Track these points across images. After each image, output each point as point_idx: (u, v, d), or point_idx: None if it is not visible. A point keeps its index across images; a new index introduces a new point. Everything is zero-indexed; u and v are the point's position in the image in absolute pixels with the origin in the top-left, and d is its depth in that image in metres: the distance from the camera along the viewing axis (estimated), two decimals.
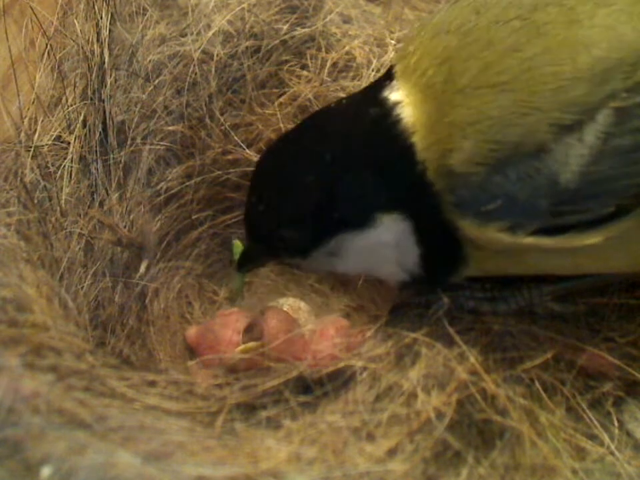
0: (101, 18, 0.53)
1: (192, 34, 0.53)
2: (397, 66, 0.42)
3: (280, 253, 0.46)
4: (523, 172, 0.37)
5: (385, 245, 0.42)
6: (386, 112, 0.41)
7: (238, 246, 0.55)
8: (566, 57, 0.37)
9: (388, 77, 0.42)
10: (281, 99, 0.55)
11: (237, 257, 0.52)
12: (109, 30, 0.53)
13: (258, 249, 0.47)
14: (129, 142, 0.52)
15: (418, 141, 0.39)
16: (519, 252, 0.39)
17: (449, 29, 0.40)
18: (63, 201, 0.49)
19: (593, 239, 0.38)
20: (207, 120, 0.54)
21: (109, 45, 0.53)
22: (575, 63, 0.37)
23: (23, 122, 0.50)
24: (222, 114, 0.54)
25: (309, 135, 0.44)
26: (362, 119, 0.41)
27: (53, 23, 0.52)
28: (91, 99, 0.51)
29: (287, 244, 0.44)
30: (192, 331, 0.52)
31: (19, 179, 0.47)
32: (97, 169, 0.51)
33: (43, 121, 0.50)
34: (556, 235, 0.38)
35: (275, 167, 0.44)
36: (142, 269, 0.52)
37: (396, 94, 0.41)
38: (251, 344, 0.47)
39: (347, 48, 0.54)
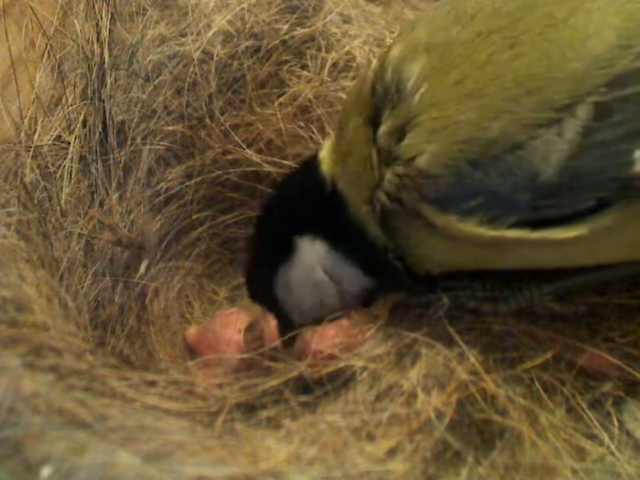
0: (101, 18, 0.53)
1: (192, 34, 0.53)
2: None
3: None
4: (503, 168, 0.38)
5: (311, 265, 0.45)
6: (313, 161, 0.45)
7: None
8: (540, 59, 0.38)
9: None
10: (281, 99, 0.55)
11: None
12: (109, 30, 0.53)
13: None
14: (129, 142, 0.52)
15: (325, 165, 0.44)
16: (502, 246, 0.39)
17: (427, 47, 0.40)
18: (62, 201, 0.49)
19: (575, 232, 0.38)
20: (207, 120, 0.54)
21: (109, 44, 0.53)
22: (549, 63, 0.37)
23: (23, 122, 0.50)
24: (222, 114, 0.54)
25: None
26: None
27: (53, 23, 0.52)
28: (91, 99, 0.51)
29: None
30: (192, 331, 0.52)
31: (19, 179, 0.47)
32: (97, 169, 0.51)
33: (42, 120, 0.51)
34: (538, 228, 0.38)
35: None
36: (142, 269, 0.52)
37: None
38: None
39: (346, 48, 0.55)
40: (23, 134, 0.50)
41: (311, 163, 0.45)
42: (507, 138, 0.37)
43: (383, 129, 0.41)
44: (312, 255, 0.45)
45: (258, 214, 0.49)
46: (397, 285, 0.44)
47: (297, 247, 0.45)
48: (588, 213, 0.38)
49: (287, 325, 0.48)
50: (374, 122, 0.41)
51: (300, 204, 0.45)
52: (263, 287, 0.48)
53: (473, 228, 0.39)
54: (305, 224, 0.45)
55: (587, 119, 0.37)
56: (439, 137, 0.39)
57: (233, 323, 0.51)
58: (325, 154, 0.45)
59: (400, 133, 0.40)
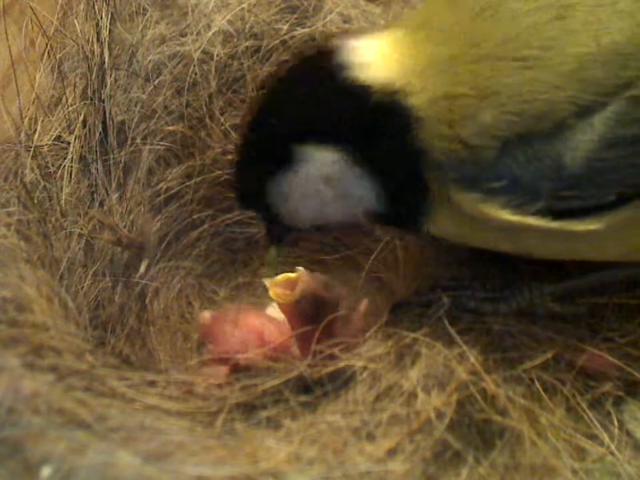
0: (101, 18, 0.53)
1: (192, 34, 0.53)
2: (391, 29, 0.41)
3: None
4: (532, 154, 0.37)
5: (312, 180, 0.41)
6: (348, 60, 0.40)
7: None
8: (588, 39, 0.37)
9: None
10: None
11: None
12: (109, 30, 0.53)
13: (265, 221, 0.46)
14: (129, 142, 0.52)
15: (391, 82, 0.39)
16: (516, 231, 0.39)
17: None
18: (63, 201, 0.49)
19: (593, 225, 0.38)
20: (207, 120, 0.54)
21: (109, 44, 0.53)
22: (597, 45, 0.37)
23: (23, 122, 0.50)
24: (222, 114, 0.54)
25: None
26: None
27: (52, 23, 0.52)
28: (91, 99, 0.51)
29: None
30: (207, 316, 0.51)
31: (19, 179, 0.47)
32: (97, 169, 0.51)
33: (43, 120, 0.50)
34: (557, 218, 0.38)
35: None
36: (142, 268, 0.52)
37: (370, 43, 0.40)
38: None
39: None
40: (22, 134, 0.50)
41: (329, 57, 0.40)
42: (554, 113, 0.37)
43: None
44: (319, 167, 0.41)
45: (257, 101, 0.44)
46: (413, 227, 0.42)
47: (300, 155, 0.41)
48: (607, 207, 0.38)
49: (282, 229, 0.45)
50: None
51: (306, 102, 0.41)
52: (253, 194, 0.44)
53: (496, 210, 0.38)
54: (312, 128, 0.40)
55: (619, 113, 0.37)
56: (488, 104, 0.37)
57: (251, 322, 0.50)
58: (377, 50, 0.40)
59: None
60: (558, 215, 0.38)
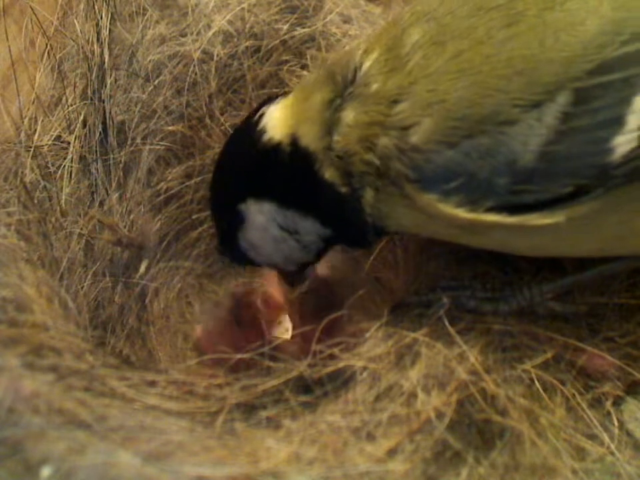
0: (101, 18, 0.53)
1: (192, 34, 0.53)
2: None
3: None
4: (484, 150, 0.38)
5: (263, 228, 0.46)
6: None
7: None
8: (534, 40, 0.38)
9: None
10: None
11: None
12: (109, 30, 0.53)
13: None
14: (129, 142, 0.52)
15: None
16: (482, 228, 0.39)
17: (429, 17, 0.41)
18: (63, 201, 0.49)
19: (551, 218, 0.38)
20: (207, 120, 0.54)
21: (109, 44, 0.53)
22: (542, 46, 0.38)
23: (23, 122, 0.50)
24: (222, 114, 0.54)
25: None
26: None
27: (53, 23, 0.52)
28: (91, 99, 0.51)
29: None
30: (197, 330, 0.52)
31: (18, 179, 0.47)
32: (97, 169, 0.51)
33: (42, 120, 0.50)
34: (516, 213, 0.38)
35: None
36: (142, 268, 0.52)
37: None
38: None
39: (347, 48, 0.54)
40: (22, 134, 0.50)
41: (247, 128, 0.46)
42: (498, 115, 0.38)
43: (374, 86, 0.41)
44: (262, 217, 0.46)
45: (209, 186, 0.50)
46: (360, 236, 0.45)
47: (246, 212, 0.46)
48: (566, 200, 0.38)
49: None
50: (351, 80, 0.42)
51: (240, 169, 0.46)
52: (235, 254, 0.49)
53: (452, 209, 0.39)
54: (248, 188, 0.46)
55: (566, 105, 0.37)
56: (433, 111, 0.39)
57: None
58: (276, 115, 0.45)
59: (394, 97, 0.40)
60: (515, 209, 0.38)
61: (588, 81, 0.37)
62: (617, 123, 0.37)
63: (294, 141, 0.43)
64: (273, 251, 0.47)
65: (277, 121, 0.44)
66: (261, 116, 0.45)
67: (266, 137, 0.44)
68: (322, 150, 0.43)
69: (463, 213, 0.39)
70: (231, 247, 0.48)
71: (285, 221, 0.45)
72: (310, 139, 0.43)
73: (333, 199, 0.43)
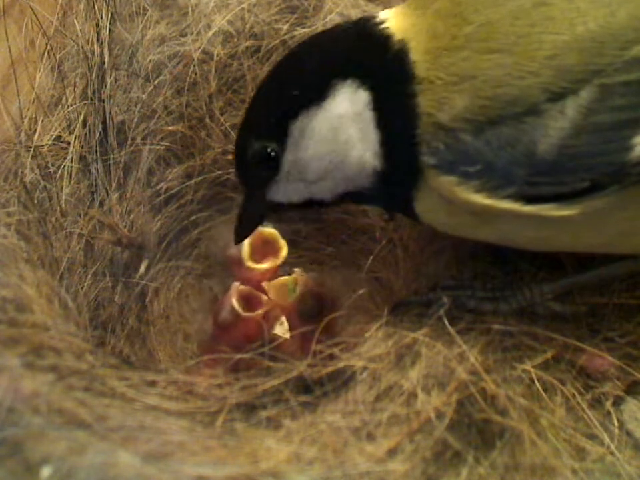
0: (101, 18, 0.53)
1: (192, 34, 0.53)
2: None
3: (258, 180, 0.45)
4: (505, 139, 0.38)
5: (344, 117, 0.41)
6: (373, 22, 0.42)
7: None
8: (565, 26, 0.38)
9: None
10: None
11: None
12: (109, 30, 0.53)
13: (247, 199, 0.47)
14: (129, 142, 0.52)
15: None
16: (494, 217, 0.39)
17: None
18: (63, 201, 0.49)
19: (566, 211, 0.38)
20: (207, 120, 0.54)
21: (109, 44, 0.53)
22: (572, 33, 0.38)
23: (23, 122, 0.50)
24: (222, 114, 0.54)
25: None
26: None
27: (53, 23, 0.52)
28: (91, 99, 0.51)
29: (259, 157, 0.44)
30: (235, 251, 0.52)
31: (19, 179, 0.47)
32: (97, 169, 0.51)
33: (43, 121, 0.51)
34: (532, 203, 0.38)
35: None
36: (142, 268, 0.52)
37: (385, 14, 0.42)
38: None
39: None
40: (22, 134, 0.50)
41: (365, 23, 0.42)
42: (527, 98, 0.37)
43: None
44: (349, 105, 0.41)
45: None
46: (394, 193, 0.42)
47: (335, 90, 0.42)
48: (581, 194, 0.38)
49: (261, 207, 0.46)
50: None
51: (348, 45, 0.42)
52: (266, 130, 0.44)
53: (469, 194, 0.39)
54: (351, 66, 0.41)
55: (590, 100, 0.37)
56: (464, 88, 0.38)
57: None
58: (393, 14, 0.42)
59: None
60: (531, 200, 0.38)
61: (614, 77, 0.37)
62: (638, 122, 0.37)
63: (409, 50, 0.40)
64: (328, 162, 0.42)
65: (395, 20, 0.41)
66: (376, 14, 0.42)
67: (382, 27, 0.41)
68: (423, 76, 0.39)
69: (481, 199, 0.38)
70: (272, 123, 0.43)
71: (364, 123, 0.41)
72: (423, 59, 0.40)
73: (410, 134, 0.39)
